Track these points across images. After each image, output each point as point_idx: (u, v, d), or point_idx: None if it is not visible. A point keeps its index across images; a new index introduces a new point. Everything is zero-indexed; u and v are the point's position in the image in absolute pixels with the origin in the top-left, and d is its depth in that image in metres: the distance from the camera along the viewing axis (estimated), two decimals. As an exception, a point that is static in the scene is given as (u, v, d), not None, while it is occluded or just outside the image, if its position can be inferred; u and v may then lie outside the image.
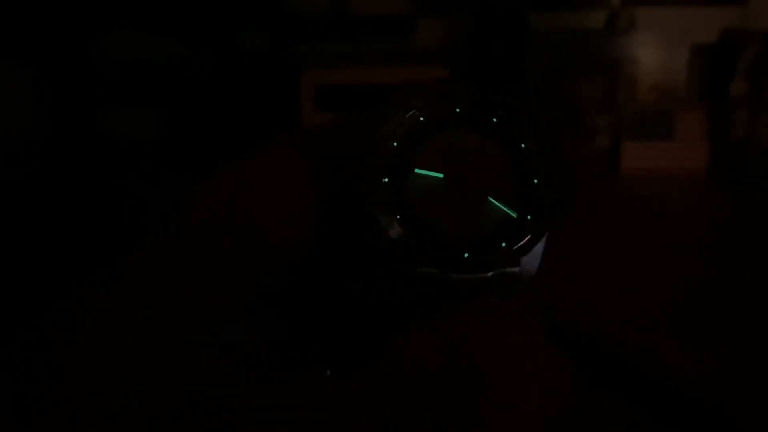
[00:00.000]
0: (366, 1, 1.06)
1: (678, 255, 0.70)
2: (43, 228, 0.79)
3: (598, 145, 1.03)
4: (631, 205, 0.88)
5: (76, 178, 0.90)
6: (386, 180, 0.16)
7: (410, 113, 0.17)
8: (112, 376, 0.13)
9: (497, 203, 0.17)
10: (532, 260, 0.17)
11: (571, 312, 0.59)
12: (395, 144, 0.17)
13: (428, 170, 0.17)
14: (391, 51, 1.02)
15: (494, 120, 0.17)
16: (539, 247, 0.17)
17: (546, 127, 0.17)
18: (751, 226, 0.79)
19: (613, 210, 0.86)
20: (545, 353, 0.14)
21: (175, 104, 0.98)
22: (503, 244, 0.16)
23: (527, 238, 0.17)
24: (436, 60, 0.98)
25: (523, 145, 0.17)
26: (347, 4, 1.06)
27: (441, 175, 0.17)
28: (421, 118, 0.17)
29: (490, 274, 0.16)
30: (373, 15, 1.05)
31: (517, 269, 0.16)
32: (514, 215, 0.17)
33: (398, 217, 0.16)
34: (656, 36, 1.05)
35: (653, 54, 1.05)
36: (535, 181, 0.17)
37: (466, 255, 0.16)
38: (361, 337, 0.16)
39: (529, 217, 0.17)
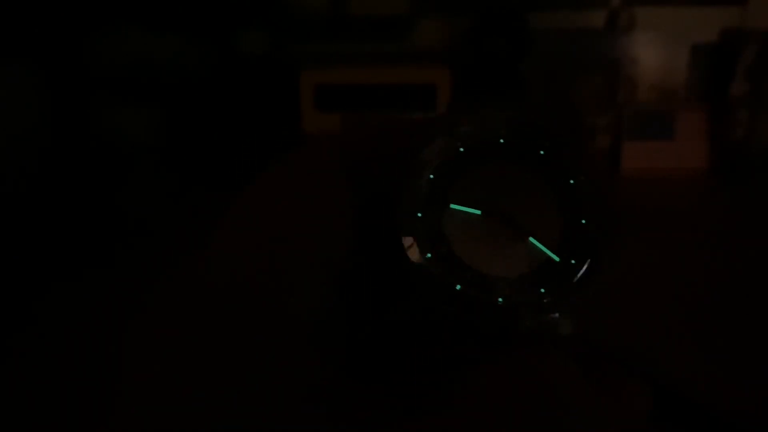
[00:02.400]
0: (366, 1, 1.05)
1: (678, 255, 0.70)
2: (41, 228, 0.79)
3: (598, 145, 1.03)
4: (631, 205, 0.88)
5: (74, 178, 0.90)
6: (420, 214, 0.15)
7: (450, 142, 0.16)
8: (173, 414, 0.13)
9: (539, 245, 0.15)
10: (573, 308, 0.15)
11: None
12: (431, 176, 0.15)
13: (465, 206, 0.15)
14: (391, 51, 1.02)
15: (541, 152, 0.16)
16: (583, 295, 0.15)
17: (592, 158, 0.16)
18: (751, 225, 0.79)
19: (612, 210, 0.86)
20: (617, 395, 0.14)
21: (174, 105, 0.98)
22: (542, 290, 0.15)
23: (570, 285, 0.15)
24: (436, 60, 0.98)
25: (572, 181, 0.16)
26: (347, 4, 1.05)
27: (479, 212, 0.15)
28: (461, 149, 0.16)
29: (526, 321, 0.15)
30: (373, 15, 1.05)
31: (556, 317, 0.15)
32: (556, 259, 0.15)
33: (429, 255, 0.15)
34: (656, 36, 1.04)
35: (653, 54, 1.05)
36: (583, 221, 0.16)
37: (500, 300, 0.15)
38: (418, 370, 0.15)
39: (573, 262, 0.15)
